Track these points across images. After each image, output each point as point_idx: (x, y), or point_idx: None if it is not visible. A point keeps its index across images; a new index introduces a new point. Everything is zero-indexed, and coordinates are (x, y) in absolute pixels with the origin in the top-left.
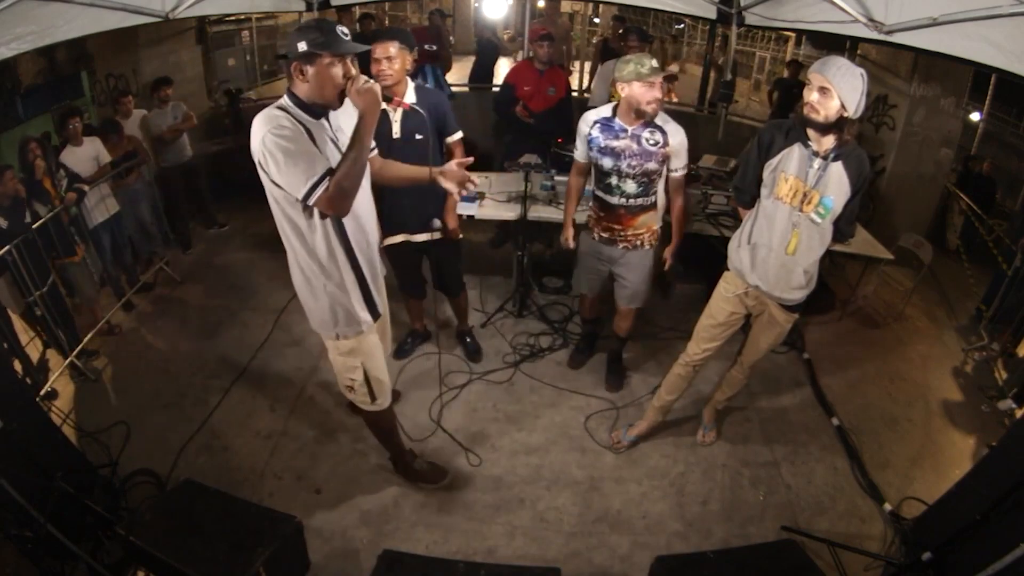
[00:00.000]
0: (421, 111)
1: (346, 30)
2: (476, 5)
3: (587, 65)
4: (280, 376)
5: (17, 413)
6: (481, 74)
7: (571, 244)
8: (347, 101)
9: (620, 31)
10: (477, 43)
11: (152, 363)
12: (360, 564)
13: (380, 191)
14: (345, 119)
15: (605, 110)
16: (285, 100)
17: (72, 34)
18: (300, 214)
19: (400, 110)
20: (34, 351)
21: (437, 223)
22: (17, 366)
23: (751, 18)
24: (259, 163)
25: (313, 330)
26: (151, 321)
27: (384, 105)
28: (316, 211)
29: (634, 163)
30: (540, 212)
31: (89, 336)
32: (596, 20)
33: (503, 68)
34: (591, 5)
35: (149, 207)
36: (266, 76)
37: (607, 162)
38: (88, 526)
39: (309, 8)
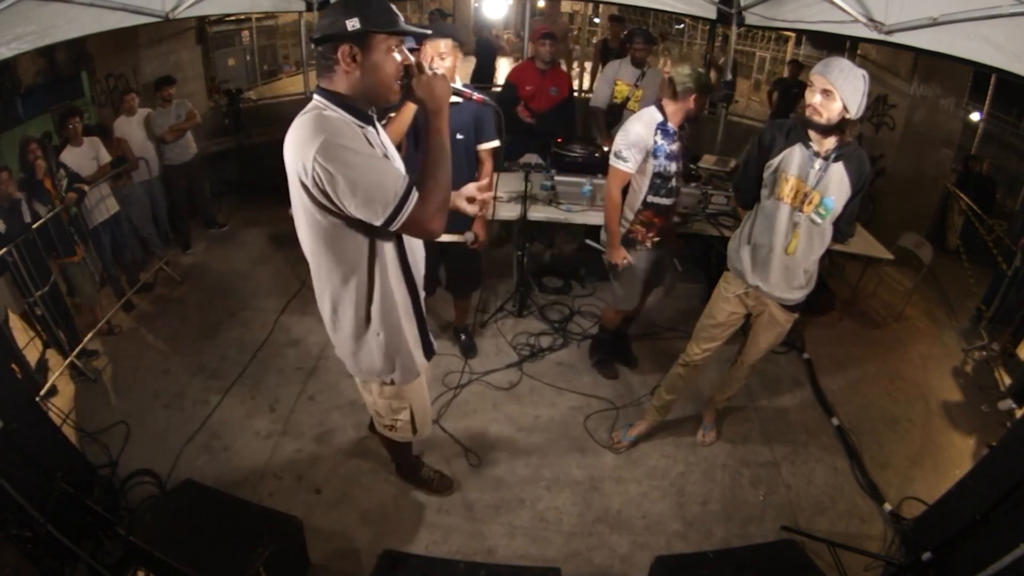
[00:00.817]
0: (491, 103)
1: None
2: (476, 5)
3: (587, 65)
4: (280, 376)
5: (17, 413)
6: (481, 74)
7: (629, 261)
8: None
9: (624, 33)
10: (476, 43)
11: (152, 363)
12: (360, 564)
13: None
14: (379, 132)
15: (655, 114)
16: (322, 101)
17: (72, 34)
18: (359, 242)
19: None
20: (34, 351)
21: (470, 236)
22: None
23: (751, 18)
24: (313, 181)
25: (311, 331)
26: (151, 321)
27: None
28: (378, 239)
29: (682, 162)
30: (540, 212)
31: (89, 336)
32: (596, 20)
33: (503, 68)
34: (591, 5)
35: (141, 212)
36: (266, 76)
37: (672, 167)
38: (88, 526)
39: (309, 8)
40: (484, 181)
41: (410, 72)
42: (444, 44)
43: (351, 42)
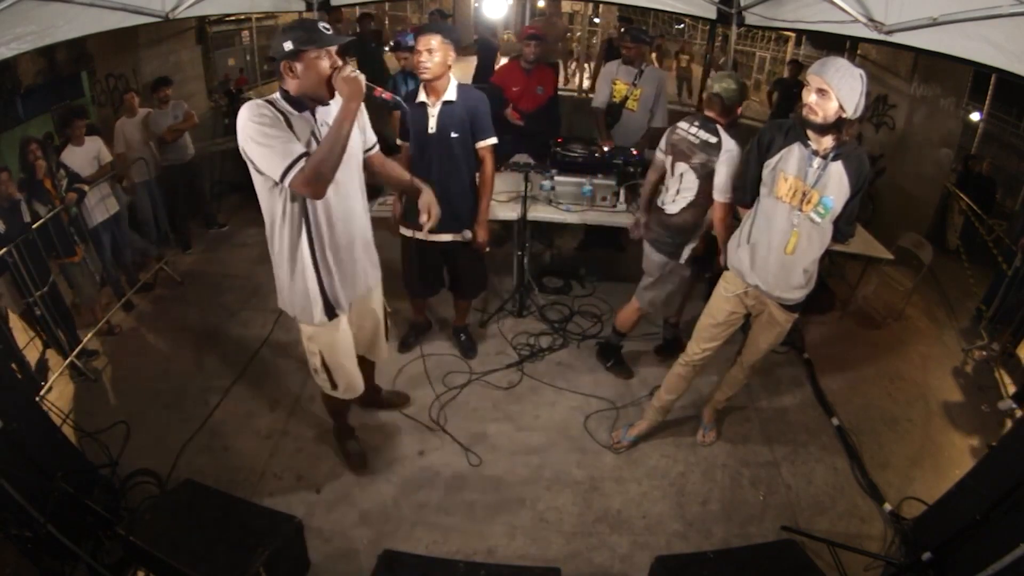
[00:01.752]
0: (401, 102)
1: (327, 25)
2: (476, 5)
3: (587, 65)
4: (280, 376)
5: (17, 413)
6: (482, 74)
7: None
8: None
9: (622, 31)
10: (477, 43)
11: (152, 363)
12: (360, 564)
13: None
14: (315, 119)
15: (725, 140)
16: (274, 95)
17: (72, 34)
18: (276, 200)
19: (439, 105)
20: (34, 351)
21: (468, 234)
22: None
23: (751, 18)
24: (243, 150)
25: None
26: (151, 321)
27: (424, 99)
28: (287, 200)
29: None
30: (540, 212)
31: (89, 336)
32: (596, 20)
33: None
34: (591, 5)
35: (142, 212)
36: (266, 76)
37: None
38: (88, 526)
39: (309, 8)
40: (430, 202)
41: (335, 71)
42: (433, 40)
43: (288, 59)
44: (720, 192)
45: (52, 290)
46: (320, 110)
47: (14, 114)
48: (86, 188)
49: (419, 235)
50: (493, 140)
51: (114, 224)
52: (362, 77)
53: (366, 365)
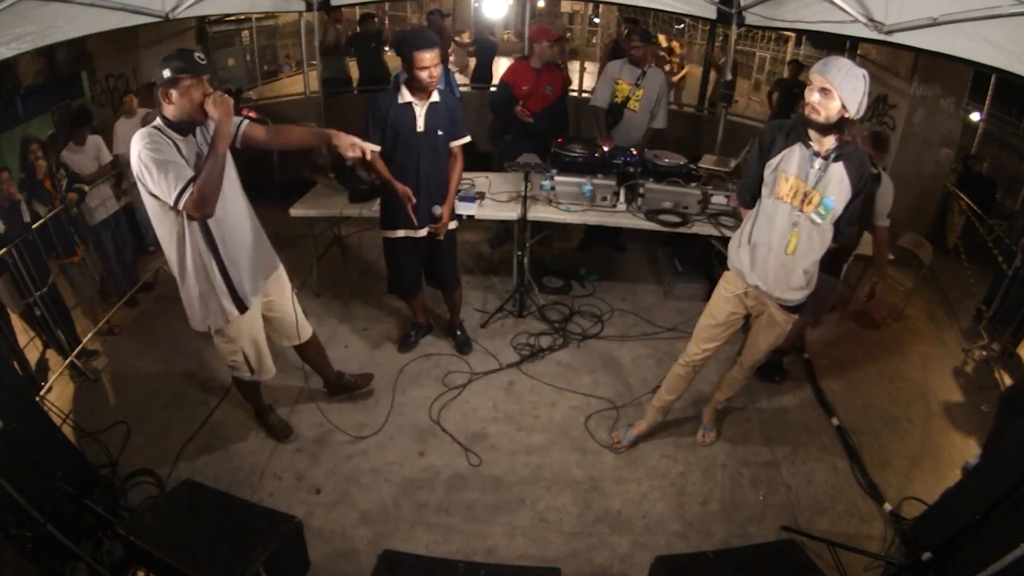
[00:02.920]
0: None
1: (202, 55)
2: (476, 5)
3: (588, 65)
4: (280, 376)
5: (17, 413)
6: (480, 74)
7: None
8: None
9: (627, 31)
10: (476, 43)
11: (152, 363)
12: (360, 564)
13: (387, 188)
14: (197, 140)
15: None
16: (158, 121)
17: (72, 34)
18: (173, 220)
19: (426, 105)
20: (34, 351)
21: (438, 210)
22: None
23: (751, 18)
24: (137, 176)
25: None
26: (151, 321)
27: (411, 99)
28: (185, 215)
29: None
30: (540, 212)
31: (89, 336)
32: (596, 20)
33: (502, 67)
34: (591, 5)
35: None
36: (266, 76)
37: None
38: (88, 526)
39: (309, 8)
40: (348, 139)
41: (206, 97)
42: (433, 53)
43: (166, 85)
44: (880, 216)
45: (52, 290)
46: (199, 131)
47: (14, 114)
48: (86, 188)
49: (397, 234)
50: (467, 139)
51: (114, 224)
52: (230, 100)
53: (311, 351)
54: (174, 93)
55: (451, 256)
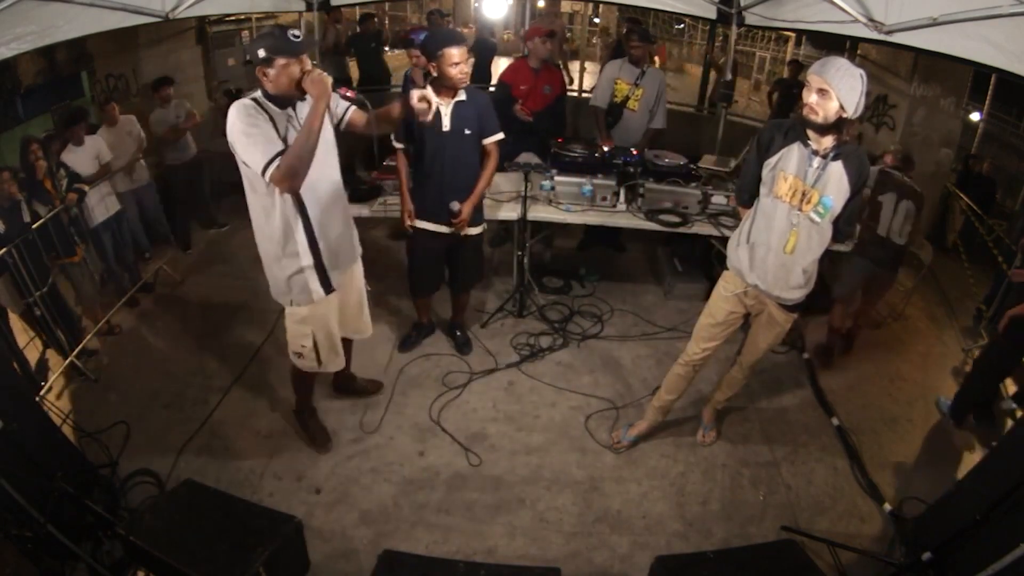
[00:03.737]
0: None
1: (298, 32)
2: (476, 5)
3: (588, 65)
4: (280, 376)
5: (17, 413)
6: (479, 74)
7: None
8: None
9: (627, 31)
10: (475, 43)
11: (152, 363)
12: (360, 564)
13: (421, 180)
14: (296, 115)
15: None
16: (257, 93)
17: (72, 34)
18: (265, 189)
19: (452, 104)
20: (34, 351)
21: (456, 205)
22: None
23: (751, 18)
24: (231, 145)
25: None
26: (151, 321)
27: (435, 101)
28: (275, 187)
29: None
30: (540, 212)
31: (89, 336)
32: (596, 20)
33: (502, 67)
34: (591, 5)
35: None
36: None
37: None
38: (88, 526)
39: (309, 8)
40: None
41: (304, 75)
42: (462, 49)
43: (261, 64)
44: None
45: (52, 290)
46: (300, 105)
47: (14, 114)
48: (86, 188)
49: (424, 225)
50: (500, 135)
51: (115, 224)
52: (328, 78)
53: (347, 346)
54: (270, 71)
55: (475, 261)
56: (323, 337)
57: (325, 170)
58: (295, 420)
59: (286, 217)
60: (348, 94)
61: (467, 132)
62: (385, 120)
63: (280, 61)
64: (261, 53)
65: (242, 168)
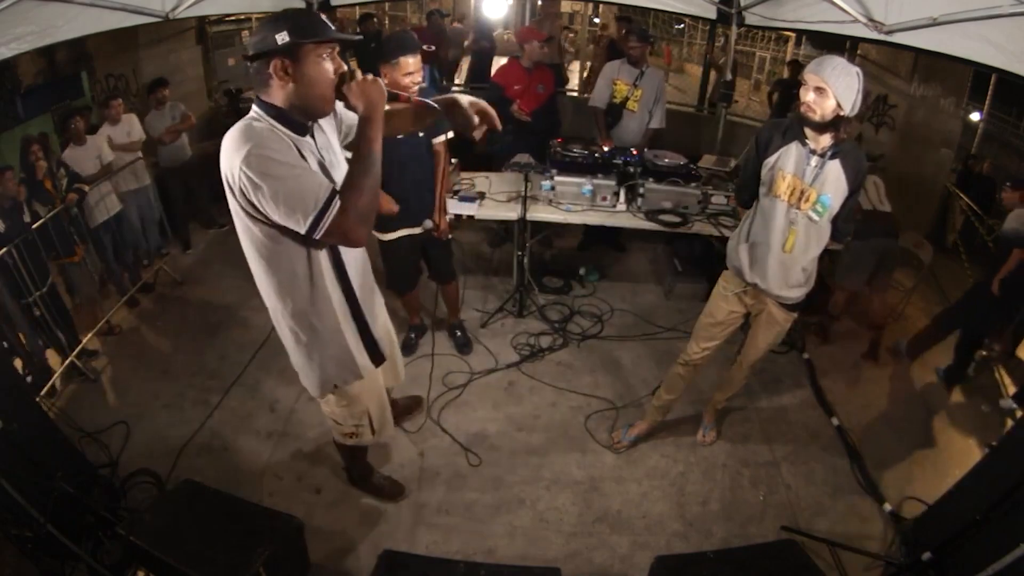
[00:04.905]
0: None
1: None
2: (476, 5)
3: (588, 64)
4: (280, 376)
5: (17, 413)
6: (477, 75)
7: None
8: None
9: (623, 31)
10: (474, 43)
11: (152, 363)
12: (360, 564)
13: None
14: (327, 134)
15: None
16: (258, 111)
17: (72, 34)
18: (293, 253)
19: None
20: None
21: (429, 224)
22: (18, 363)
23: (751, 18)
24: (239, 190)
25: None
26: (151, 321)
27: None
28: (311, 249)
29: None
30: (540, 212)
31: (89, 336)
32: (596, 20)
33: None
34: (591, 5)
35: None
36: None
37: None
38: (88, 526)
39: (309, 8)
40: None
41: (344, 79)
42: (417, 58)
43: (282, 56)
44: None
45: (51, 290)
46: (317, 133)
47: (14, 114)
48: (86, 188)
49: (397, 235)
50: (449, 134)
51: (115, 224)
52: (380, 82)
53: None
54: (296, 67)
55: (447, 249)
56: (376, 406)
57: None
58: (353, 485)
59: (321, 282)
60: (413, 100)
61: (420, 135)
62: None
63: (313, 51)
64: (282, 38)
65: (250, 227)
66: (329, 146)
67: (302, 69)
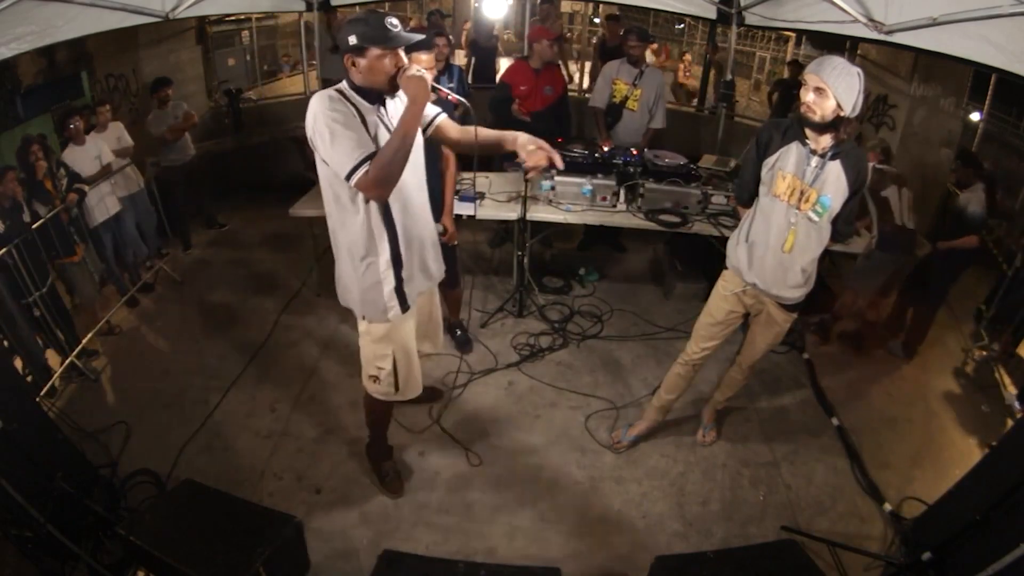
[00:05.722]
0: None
1: (395, 21)
2: (476, 5)
3: (587, 64)
4: (280, 376)
5: (17, 413)
6: (480, 75)
7: None
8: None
9: (621, 31)
10: (472, 46)
11: (152, 363)
12: (360, 564)
13: None
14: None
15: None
16: (343, 84)
17: (72, 34)
18: (348, 194)
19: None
20: None
21: (439, 227)
22: (18, 363)
23: (751, 18)
24: (310, 139)
25: (311, 331)
26: (151, 321)
27: None
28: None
29: None
30: (540, 212)
31: (89, 336)
32: (596, 20)
33: (503, 67)
34: (591, 5)
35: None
36: (266, 76)
37: None
38: (88, 526)
39: (309, 8)
40: (537, 142)
41: (400, 71)
42: (430, 56)
43: (351, 52)
44: None
45: (51, 290)
46: (389, 104)
47: (14, 114)
48: (86, 188)
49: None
50: None
51: (115, 224)
52: (428, 76)
53: None
54: (361, 62)
55: (453, 256)
56: (402, 356)
57: (416, 177)
58: (367, 457)
59: (369, 227)
60: (451, 97)
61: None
62: (473, 143)
63: (374, 52)
64: (352, 40)
65: (320, 166)
66: (391, 116)
67: (366, 64)
